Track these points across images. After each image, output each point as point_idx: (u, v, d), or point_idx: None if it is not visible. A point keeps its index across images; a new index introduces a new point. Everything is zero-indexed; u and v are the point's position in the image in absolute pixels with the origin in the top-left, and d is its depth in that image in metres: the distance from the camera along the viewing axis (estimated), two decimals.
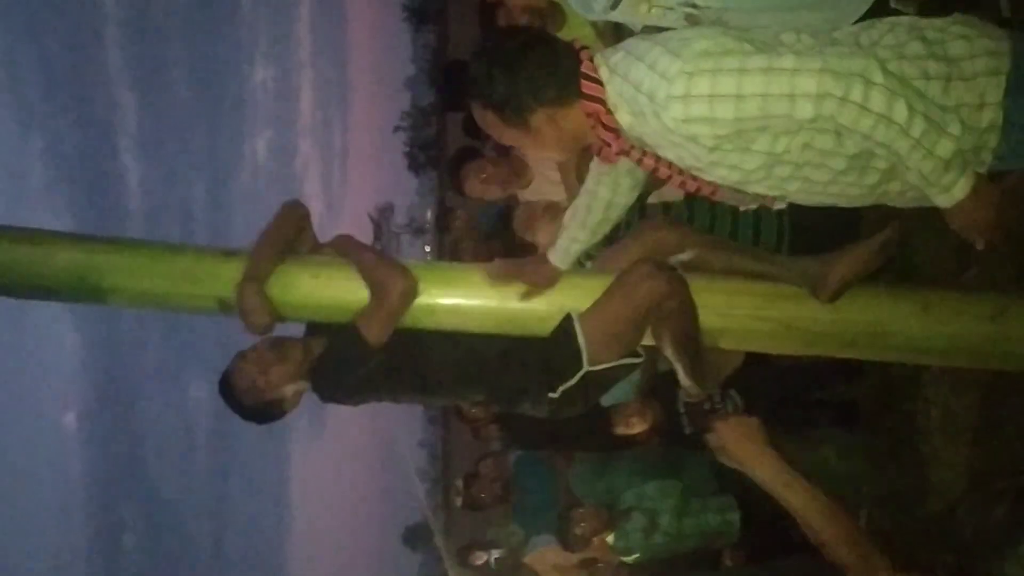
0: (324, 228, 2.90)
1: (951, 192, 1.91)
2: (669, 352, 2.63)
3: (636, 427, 4.39)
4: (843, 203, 2.21)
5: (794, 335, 2.67)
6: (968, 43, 2.01)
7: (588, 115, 2.11)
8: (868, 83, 1.84)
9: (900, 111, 1.84)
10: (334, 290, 2.69)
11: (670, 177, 2.22)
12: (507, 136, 2.18)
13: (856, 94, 1.83)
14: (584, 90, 2.08)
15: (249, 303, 2.58)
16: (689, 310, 2.59)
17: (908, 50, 1.99)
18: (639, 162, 2.21)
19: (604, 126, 2.11)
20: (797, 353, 2.76)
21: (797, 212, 3.38)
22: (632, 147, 2.18)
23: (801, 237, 3.30)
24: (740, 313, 2.68)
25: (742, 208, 2.36)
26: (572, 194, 3.64)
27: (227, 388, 2.72)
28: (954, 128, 1.89)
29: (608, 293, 2.60)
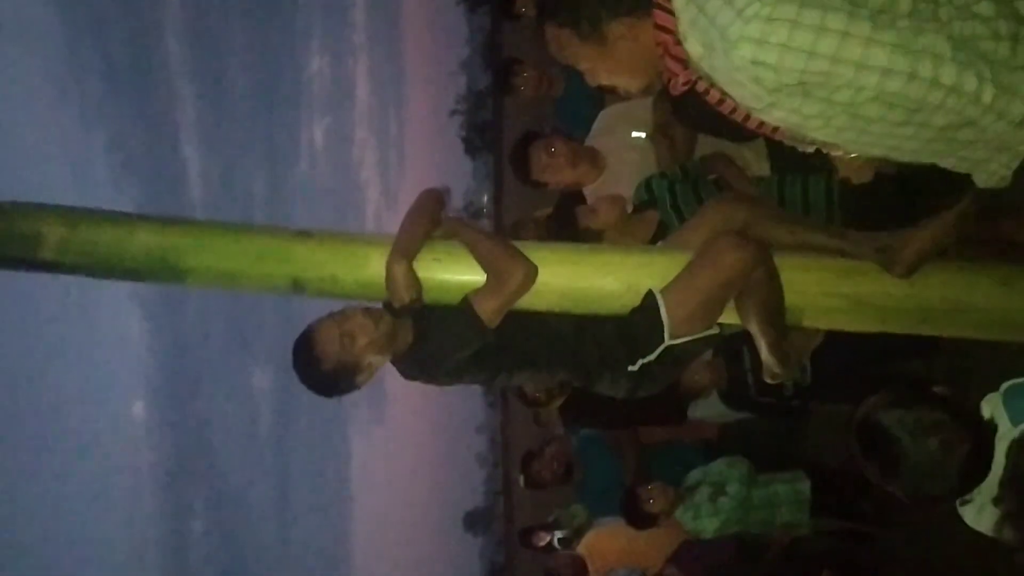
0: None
1: None
2: (754, 327, 2.60)
3: (702, 380, 4.40)
4: (898, 155, 2.20)
5: (868, 312, 2.63)
6: None
7: (657, 44, 2.11)
8: (937, 58, 1.86)
9: (970, 81, 1.87)
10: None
11: (733, 112, 2.21)
12: (582, 55, 2.18)
13: (926, 70, 1.86)
14: (656, 20, 2.08)
15: (398, 277, 2.59)
16: (775, 282, 2.56)
17: (979, 9, 1.98)
18: (706, 94, 2.20)
19: (672, 56, 2.12)
20: (871, 330, 2.69)
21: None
22: (699, 79, 2.18)
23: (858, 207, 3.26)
24: (812, 290, 2.63)
25: (800, 148, 2.34)
26: (663, 164, 3.64)
27: (306, 350, 2.63)
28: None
29: (693, 265, 2.58)
